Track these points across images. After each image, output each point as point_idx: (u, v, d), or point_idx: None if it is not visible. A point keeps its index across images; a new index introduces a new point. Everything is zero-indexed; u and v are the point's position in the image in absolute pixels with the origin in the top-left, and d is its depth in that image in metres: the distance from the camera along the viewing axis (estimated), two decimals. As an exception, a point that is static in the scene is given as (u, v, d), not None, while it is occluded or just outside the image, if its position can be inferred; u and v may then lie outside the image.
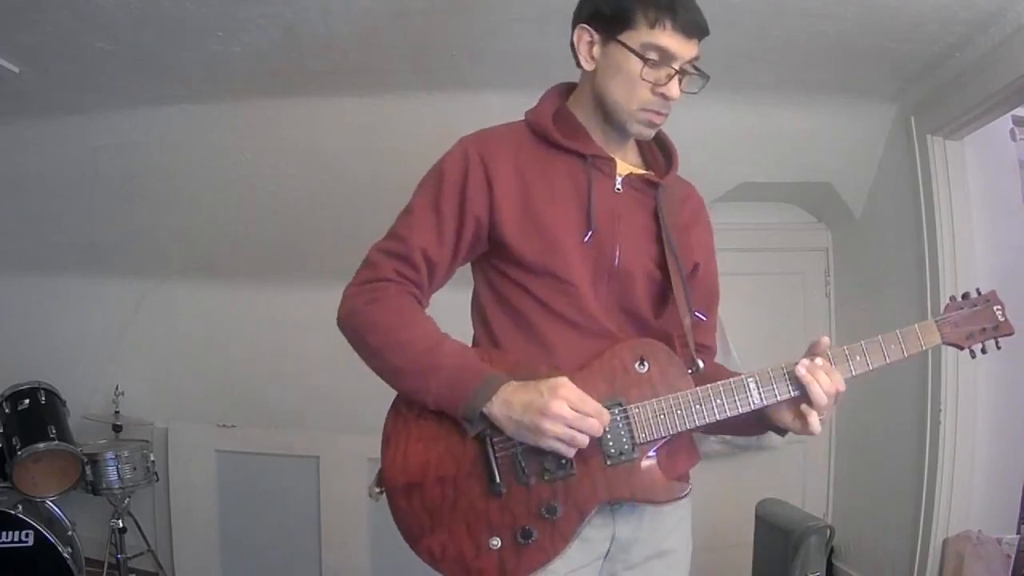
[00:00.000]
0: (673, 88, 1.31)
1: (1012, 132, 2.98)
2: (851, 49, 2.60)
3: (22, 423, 2.93)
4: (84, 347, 3.67)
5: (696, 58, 1.32)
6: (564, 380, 1.23)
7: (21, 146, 3.23)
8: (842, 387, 1.28)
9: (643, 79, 1.29)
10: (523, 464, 1.26)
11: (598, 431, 1.22)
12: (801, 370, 1.27)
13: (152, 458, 3.18)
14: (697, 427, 1.30)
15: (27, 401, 3.01)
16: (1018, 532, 2.80)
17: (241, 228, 3.39)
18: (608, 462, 1.27)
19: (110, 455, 3.04)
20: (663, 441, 1.30)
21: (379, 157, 3.00)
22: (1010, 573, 2.68)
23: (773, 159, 3.31)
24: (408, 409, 1.30)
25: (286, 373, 3.50)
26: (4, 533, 2.74)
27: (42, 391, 3.06)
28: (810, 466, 3.70)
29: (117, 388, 3.25)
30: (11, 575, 2.74)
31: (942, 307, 1.35)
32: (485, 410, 1.23)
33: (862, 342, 1.32)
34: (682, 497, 1.33)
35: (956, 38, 2.51)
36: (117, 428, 3.24)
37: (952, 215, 2.87)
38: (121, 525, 3.07)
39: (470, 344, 1.42)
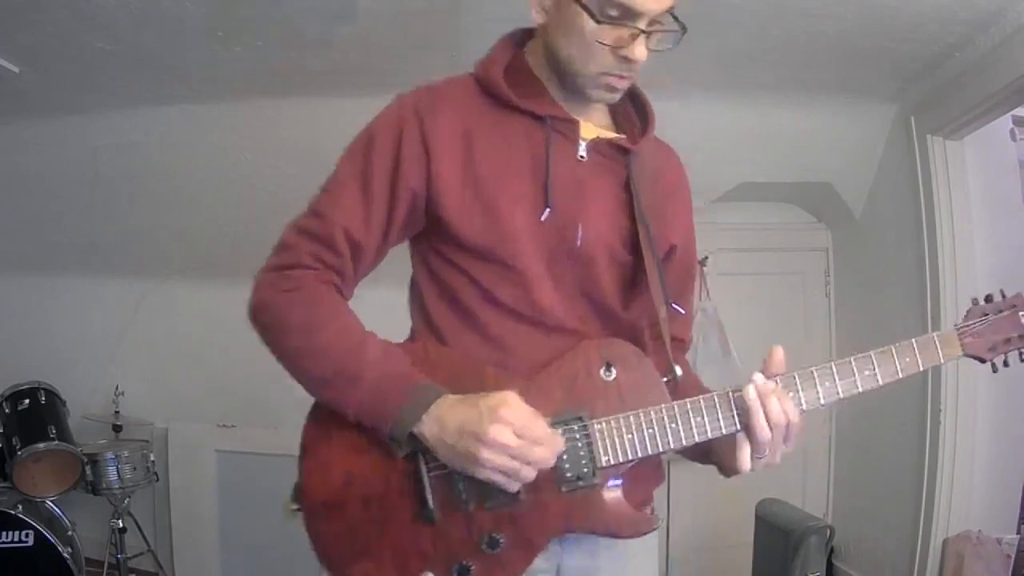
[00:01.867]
0: (638, 49, 1.07)
1: (1012, 132, 2.98)
2: (851, 49, 2.60)
3: (22, 423, 2.93)
4: (84, 347, 3.67)
5: (671, 7, 1.08)
6: (508, 396, 1.01)
7: (21, 146, 3.23)
8: (795, 417, 1.07)
9: (600, 42, 1.07)
10: (461, 487, 1.05)
11: (548, 462, 1.02)
12: (748, 392, 1.05)
13: (152, 458, 3.18)
14: (671, 449, 1.08)
15: (27, 401, 3.01)
16: (1018, 532, 2.80)
17: (241, 228, 3.38)
18: (563, 488, 1.05)
19: (110, 455, 3.04)
20: (630, 465, 1.08)
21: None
22: (1010, 573, 2.68)
23: (773, 159, 3.31)
24: (329, 415, 1.09)
25: (286, 373, 3.49)
26: (4, 533, 2.74)
27: (42, 391, 3.06)
28: (810, 466, 3.70)
29: (117, 388, 3.25)
30: (11, 575, 2.74)
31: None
32: (415, 430, 1.03)
33: (872, 352, 1.11)
34: (651, 531, 1.13)
35: (956, 38, 2.51)
36: (117, 428, 3.23)
37: (952, 215, 2.87)
38: (121, 525, 3.06)
39: (409, 336, 1.22)
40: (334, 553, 1.08)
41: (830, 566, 3.30)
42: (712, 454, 1.15)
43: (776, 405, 1.05)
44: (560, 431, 1.04)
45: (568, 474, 1.05)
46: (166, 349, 3.69)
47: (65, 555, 2.77)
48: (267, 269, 1.12)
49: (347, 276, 1.13)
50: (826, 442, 3.71)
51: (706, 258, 3.65)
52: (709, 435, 1.07)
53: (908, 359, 1.11)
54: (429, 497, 1.05)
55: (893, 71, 2.82)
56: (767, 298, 3.68)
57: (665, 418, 1.07)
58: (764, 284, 3.71)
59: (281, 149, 3.11)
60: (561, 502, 1.06)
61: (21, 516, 2.75)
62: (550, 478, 1.05)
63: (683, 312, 1.26)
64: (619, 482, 1.09)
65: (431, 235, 1.15)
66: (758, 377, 1.07)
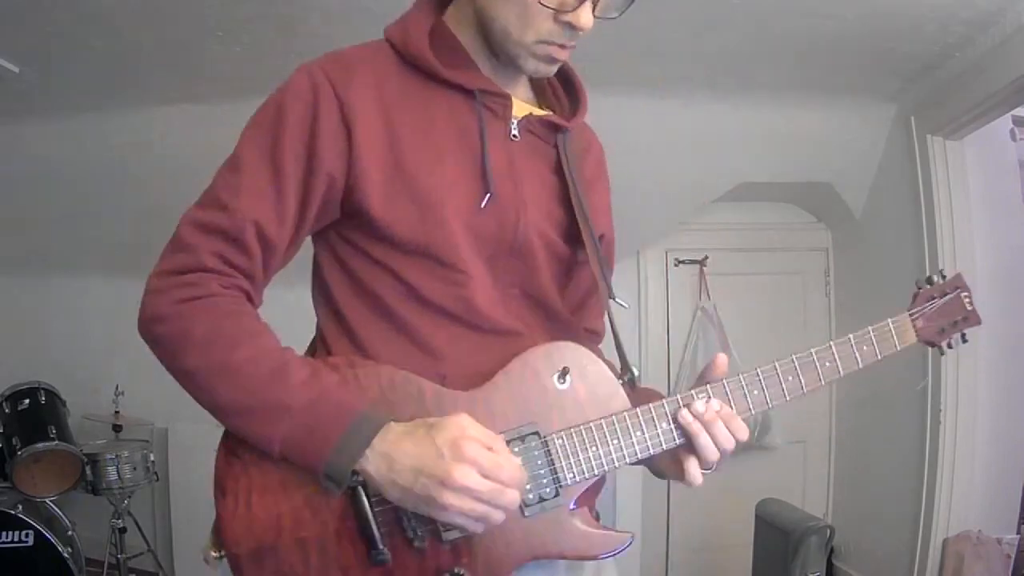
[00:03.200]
0: (583, 15, 0.95)
1: (1012, 132, 2.98)
2: (851, 49, 2.60)
3: (22, 423, 2.93)
4: (84, 347, 3.67)
5: None
6: (464, 425, 0.89)
7: (21, 146, 3.23)
8: (743, 436, 0.99)
9: (542, 3, 0.95)
10: (412, 520, 0.92)
11: (515, 504, 0.90)
12: (687, 416, 0.97)
13: (152, 458, 3.18)
14: (638, 460, 0.99)
15: (27, 401, 3.01)
16: (1018, 532, 2.80)
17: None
18: (526, 512, 0.94)
19: (110, 455, 3.04)
20: (594, 480, 0.98)
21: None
22: (1010, 573, 2.68)
23: (773, 159, 3.31)
24: (246, 450, 0.93)
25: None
26: (4, 533, 2.74)
27: (42, 391, 3.06)
28: (810, 466, 3.70)
29: (117, 388, 3.24)
30: (11, 575, 2.74)
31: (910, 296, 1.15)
32: (357, 467, 0.89)
33: (831, 343, 1.05)
34: (624, 548, 1.00)
35: (956, 38, 2.52)
36: (117, 428, 3.23)
37: (952, 215, 2.88)
38: (121, 525, 3.06)
39: (312, 343, 1.07)
40: None
41: (830, 566, 3.31)
42: (652, 461, 1.04)
43: (722, 430, 0.97)
44: (516, 450, 0.94)
45: (530, 495, 0.94)
46: (166, 349, 3.69)
47: (65, 555, 2.77)
48: (161, 272, 0.95)
49: (257, 280, 0.97)
50: (826, 442, 3.71)
51: (706, 258, 3.65)
52: (676, 442, 0.98)
53: (866, 348, 1.07)
54: (377, 536, 0.90)
55: (893, 71, 2.82)
56: (767, 298, 3.68)
57: (629, 427, 0.97)
58: (764, 284, 3.72)
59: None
60: (525, 527, 0.95)
61: (21, 516, 2.75)
62: None
63: (626, 306, 1.14)
64: (577, 501, 0.98)
65: (343, 226, 1.00)
66: (698, 406, 0.97)
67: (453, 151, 0.99)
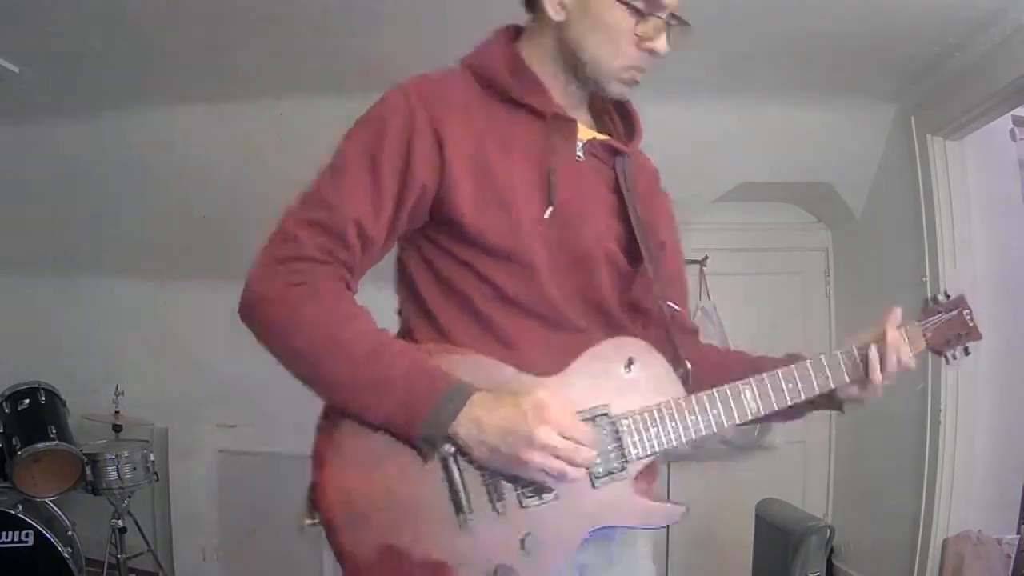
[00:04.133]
0: (662, 42, 1.11)
1: (1012, 132, 2.98)
2: (851, 49, 2.60)
3: (22, 423, 2.93)
4: (84, 347, 3.67)
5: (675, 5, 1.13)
6: (549, 399, 1.01)
7: (21, 147, 3.23)
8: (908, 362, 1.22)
9: (636, 34, 1.10)
10: (496, 487, 1.03)
11: (589, 461, 1.03)
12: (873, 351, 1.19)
13: (152, 458, 3.18)
14: (692, 439, 1.13)
15: (27, 401, 3.01)
16: (1018, 532, 2.80)
17: (241, 228, 3.39)
18: (596, 483, 1.07)
19: (110, 455, 3.04)
20: (655, 456, 1.12)
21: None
22: (1010, 573, 2.68)
23: (773, 159, 3.31)
24: (346, 423, 1.03)
25: (286, 373, 3.49)
26: (4, 533, 2.74)
27: (42, 391, 3.06)
28: (810, 466, 3.70)
29: (117, 388, 3.24)
30: (11, 575, 2.74)
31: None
32: (450, 431, 0.99)
33: (853, 347, 1.22)
34: (680, 519, 1.16)
35: (956, 38, 2.52)
36: (117, 428, 3.23)
37: (952, 215, 2.88)
38: (121, 525, 3.06)
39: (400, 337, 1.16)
40: (363, 565, 1.02)
41: (830, 566, 3.31)
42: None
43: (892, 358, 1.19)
44: (589, 426, 1.05)
45: (599, 468, 1.07)
46: (166, 349, 3.69)
47: (65, 555, 2.77)
48: (269, 261, 1.04)
49: (355, 271, 1.07)
50: (826, 442, 3.71)
51: (706, 258, 3.65)
52: (737, 420, 1.14)
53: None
54: (465, 500, 1.01)
55: (893, 71, 2.82)
56: (767, 298, 3.68)
57: (684, 410, 1.12)
58: (764, 284, 3.72)
59: (282, 149, 3.11)
60: (593, 497, 1.07)
61: (21, 516, 2.75)
62: (582, 473, 1.06)
63: (678, 308, 1.28)
64: (641, 474, 1.12)
65: (431, 229, 1.11)
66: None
67: (527, 167, 1.11)
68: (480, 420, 0.99)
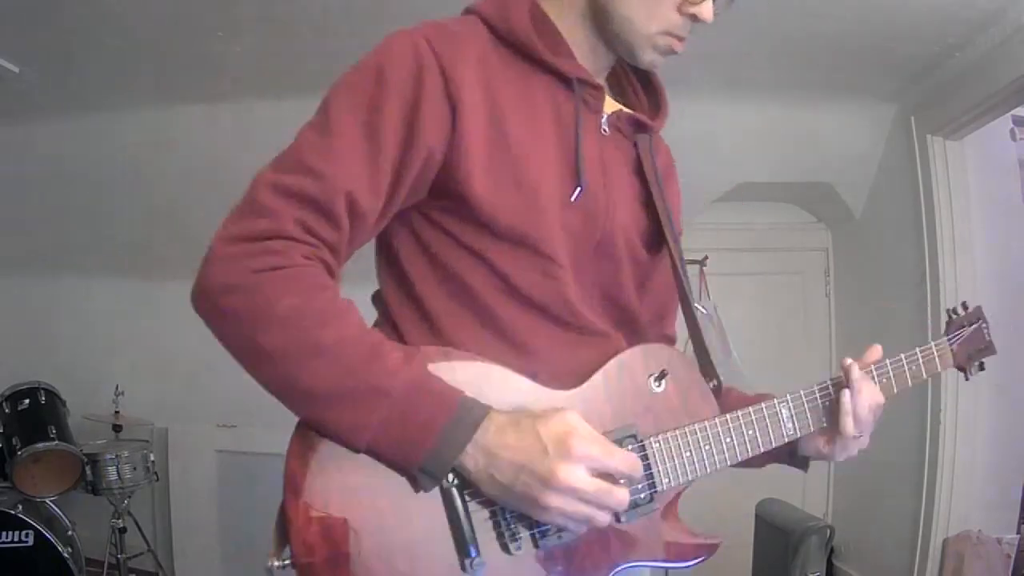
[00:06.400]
0: (708, 8, 0.94)
1: (1012, 132, 2.98)
2: (851, 49, 2.60)
3: (22, 423, 2.93)
4: (84, 347, 3.67)
5: None
6: (571, 421, 0.82)
7: (21, 146, 3.23)
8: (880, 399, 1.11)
9: None
10: (508, 524, 0.85)
11: (624, 504, 0.84)
12: (856, 372, 1.07)
13: (152, 458, 3.18)
14: (727, 465, 0.98)
15: (27, 401, 3.00)
16: (1018, 532, 2.80)
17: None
18: (623, 518, 0.89)
19: (110, 455, 3.04)
20: (687, 486, 0.97)
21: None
22: (1010, 573, 2.68)
23: (773, 159, 3.31)
24: (325, 444, 0.83)
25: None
26: (4, 533, 2.73)
27: (42, 391, 3.06)
28: (810, 466, 3.69)
29: (117, 388, 3.24)
30: (11, 575, 2.74)
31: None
32: (457, 462, 0.81)
33: (888, 361, 1.18)
34: (714, 552, 1.00)
35: (956, 38, 2.52)
36: (117, 428, 3.23)
37: (952, 215, 2.88)
38: (121, 525, 3.06)
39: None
40: None
41: (830, 566, 3.31)
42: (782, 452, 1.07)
43: (864, 398, 1.08)
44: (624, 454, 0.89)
45: None
46: (166, 349, 3.69)
47: (65, 555, 2.77)
48: (232, 238, 0.81)
49: (340, 255, 0.86)
50: (826, 442, 3.71)
51: (706, 258, 3.65)
52: (773, 443, 1.00)
53: (915, 368, 1.19)
54: (472, 542, 0.83)
55: (893, 71, 2.82)
56: (767, 298, 3.68)
57: (720, 433, 0.96)
58: (764, 284, 3.72)
59: (281, 149, 3.11)
60: (620, 533, 0.91)
61: (21, 516, 2.75)
62: None
63: (704, 311, 1.21)
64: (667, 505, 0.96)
65: (430, 207, 0.91)
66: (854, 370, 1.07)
67: (550, 137, 0.93)
68: (492, 452, 0.81)
